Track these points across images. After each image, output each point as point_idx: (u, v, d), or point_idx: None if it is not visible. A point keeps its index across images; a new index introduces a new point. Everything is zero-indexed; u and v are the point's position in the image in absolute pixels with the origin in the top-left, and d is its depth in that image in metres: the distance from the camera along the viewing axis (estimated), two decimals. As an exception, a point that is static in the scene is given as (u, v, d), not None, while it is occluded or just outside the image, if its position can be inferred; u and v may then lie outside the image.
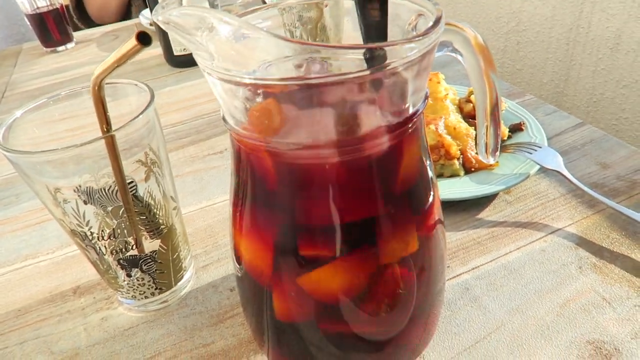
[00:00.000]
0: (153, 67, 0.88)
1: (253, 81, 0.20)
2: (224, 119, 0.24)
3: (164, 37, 0.83)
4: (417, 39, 0.19)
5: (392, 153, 0.23)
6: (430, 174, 0.27)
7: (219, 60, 0.20)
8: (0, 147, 0.28)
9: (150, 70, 0.87)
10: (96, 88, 0.25)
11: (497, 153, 0.31)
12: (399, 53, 0.19)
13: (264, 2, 0.30)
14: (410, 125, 0.23)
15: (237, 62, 0.20)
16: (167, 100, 0.75)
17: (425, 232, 0.27)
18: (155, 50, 0.94)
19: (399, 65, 0.20)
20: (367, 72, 0.19)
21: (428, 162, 0.27)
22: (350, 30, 0.29)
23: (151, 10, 0.80)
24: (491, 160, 0.31)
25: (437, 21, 0.21)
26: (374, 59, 0.18)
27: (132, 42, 0.21)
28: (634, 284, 0.36)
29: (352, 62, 0.21)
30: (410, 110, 0.23)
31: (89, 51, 1.03)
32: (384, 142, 0.23)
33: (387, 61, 0.19)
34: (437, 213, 0.28)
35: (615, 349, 0.32)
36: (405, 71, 0.21)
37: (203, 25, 0.20)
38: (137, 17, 1.31)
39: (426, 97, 0.24)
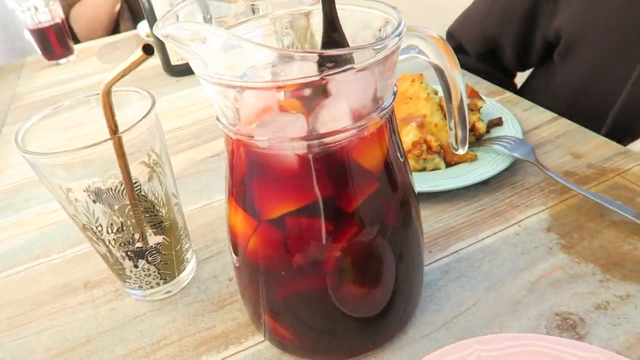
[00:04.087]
0: (152, 77, 0.91)
1: (240, 84, 0.23)
2: (217, 118, 0.28)
3: (162, 48, 0.87)
4: (376, 44, 0.22)
5: (367, 142, 0.27)
6: (401, 162, 0.31)
7: (212, 66, 0.24)
8: (20, 149, 0.31)
9: (149, 79, 0.91)
10: (106, 94, 0.29)
11: (466, 144, 0.34)
12: (363, 56, 0.23)
13: (254, 13, 0.34)
14: (380, 118, 0.27)
15: (227, 68, 0.24)
16: (167, 108, 0.78)
17: (398, 213, 0.30)
18: (154, 60, 0.98)
19: (365, 66, 0.23)
20: (332, 73, 0.22)
21: (400, 152, 0.30)
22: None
23: (149, 23, 0.84)
24: (461, 151, 0.35)
25: (395, 29, 0.24)
26: (339, 63, 0.22)
27: (139, 52, 0.25)
28: (598, 262, 0.39)
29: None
30: (381, 104, 0.26)
31: (90, 62, 1.06)
32: (358, 133, 0.26)
33: (351, 64, 0.22)
34: (410, 197, 0.32)
35: (580, 319, 0.35)
36: (371, 69, 0.24)
37: (197, 37, 0.23)
38: (125, 30, 1.37)
39: (394, 93, 0.28)
